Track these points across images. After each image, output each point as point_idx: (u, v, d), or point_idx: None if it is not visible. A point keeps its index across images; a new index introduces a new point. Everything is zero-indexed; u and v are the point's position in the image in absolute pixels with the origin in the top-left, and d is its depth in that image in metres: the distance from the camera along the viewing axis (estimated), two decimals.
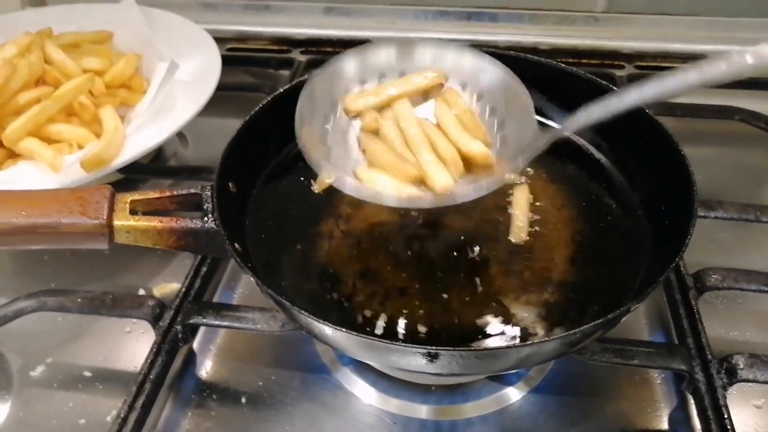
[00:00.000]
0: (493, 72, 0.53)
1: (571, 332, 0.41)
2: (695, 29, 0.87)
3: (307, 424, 0.53)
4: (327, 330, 0.42)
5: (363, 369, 0.57)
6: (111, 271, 0.67)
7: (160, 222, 0.47)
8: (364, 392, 0.55)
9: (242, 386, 0.56)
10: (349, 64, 0.55)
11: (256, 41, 0.97)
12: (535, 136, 0.49)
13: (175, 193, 0.50)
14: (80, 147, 0.62)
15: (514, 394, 0.55)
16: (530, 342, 0.44)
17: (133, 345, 0.60)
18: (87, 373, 0.58)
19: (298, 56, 0.95)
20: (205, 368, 0.58)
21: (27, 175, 0.58)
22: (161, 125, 0.64)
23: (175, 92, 0.68)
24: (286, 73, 0.91)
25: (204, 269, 0.60)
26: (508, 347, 0.46)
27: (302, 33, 0.96)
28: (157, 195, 0.50)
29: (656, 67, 0.89)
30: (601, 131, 0.61)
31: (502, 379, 0.56)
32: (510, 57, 0.57)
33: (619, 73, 0.88)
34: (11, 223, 0.44)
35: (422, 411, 0.54)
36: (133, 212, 0.48)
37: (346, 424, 0.53)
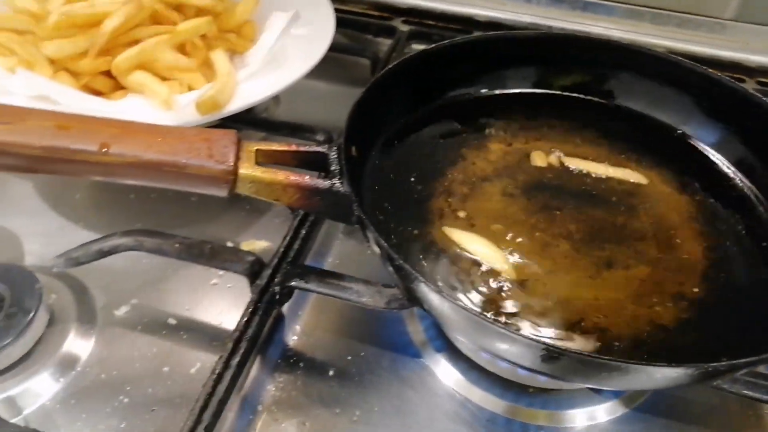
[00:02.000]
0: None
1: (735, 362, 0.37)
2: None
3: (394, 404, 0.51)
4: (453, 311, 0.39)
5: (456, 357, 0.54)
6: (197, 220, 0.66)
7: (287, 177, 0.45)
8: (454, 380, 0.53)
9: (330, 358, 0.54)
10: None
11: (357, 4, 0.93)
12: None
13: (301, 149, 0.47)
14: (190, 88, 0.60)
15: (612, 410, 0.52)
16: (670, 365, 0.40)
17: (219, 299, 0.58)
18: (171, 321, 0.56)
19: (400, 25, 0.91)
20: (293, 334, 0.56)
21: (137, 109, 0.56)
22: (274, 77, 0.62)
23: (288, 46, 0.65)
24: (387, 41, 0.87)
25: (303, 231, 0.58)
26: (641, 364, 0.42)
27: (404, 2, 0.92)
28: (282, 148, 0.47)
29: None
30: (749, 147, 0.57)
31: (602, 393, 0.53)
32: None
33: None
34: (139, 157, 0.42)
35: (510, 409, 0.52)
36: (257, 162, 0.45)
37: (432, 409, 0.51)
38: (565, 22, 0.88)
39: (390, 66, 0.56)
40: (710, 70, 0.59)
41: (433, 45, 0.58)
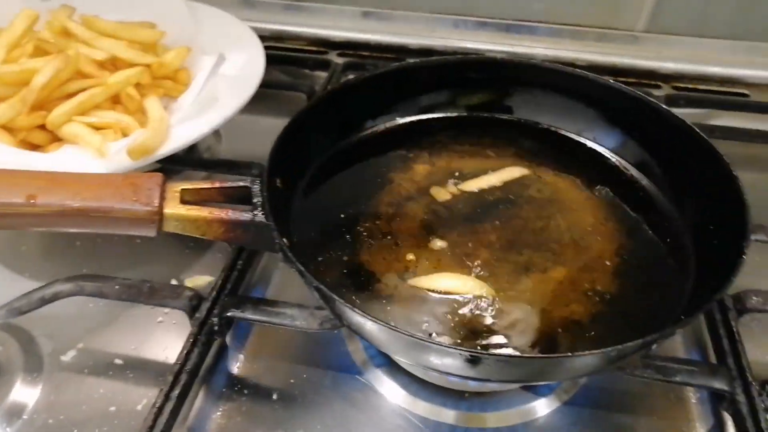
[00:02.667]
0: None
1: (619, 347, 0.40)
2: (736, 53, 0.87)
3: (338, 423, 0.53)
4: (378, 330, 0.42)
5: (395, 371, 0.57)
6: (142, 260, 0.67)
7: (211, 213, 0.47)
8: (395, 394, 0.55)
9: (273, 382, 0.56)
10: None
11: (294, 41, 0.97)
12: None
13: (225, 185, 0.50)
14: (124, 135, 0.63)
15: (545, 406, 0.54)
16: (575, 354, 0.43)
17: (164, 335, 0.60)
18: (118, 361, 0.57)
19: (335, 58, 0.95)
20: (237, 363, 0.58)
21: (72, 159, 0.59)
22: (205, 118, 0.65)
23: (219, 86, 0.69)
24: (323, 74, 0.91)
25: (240, 263, 0.60)
26: (552, 357, 0.45)
27: (340, 36, 0.96)
28: (207, 185, 0.50)
29: (693, 89, 0.89)
30: (648, 149, 0.61)
31: (534, 391, 0.55)
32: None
33: (656, 92, 0.87)
34: (65, 206, 0.44)
35: (452, 417, 0.54)
36: (183, 201, 0.48)
37: (376, 426, 0.53)
38: (492, 44, 0.93)
39: (311, 101, 0.59)
40: (605, 78, 0.63)
41: (350, 78, 0.62)
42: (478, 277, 0.53)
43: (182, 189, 0.48)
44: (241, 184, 0.51)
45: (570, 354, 0.41)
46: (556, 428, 0.53)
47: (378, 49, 0.95)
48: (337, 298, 0.42)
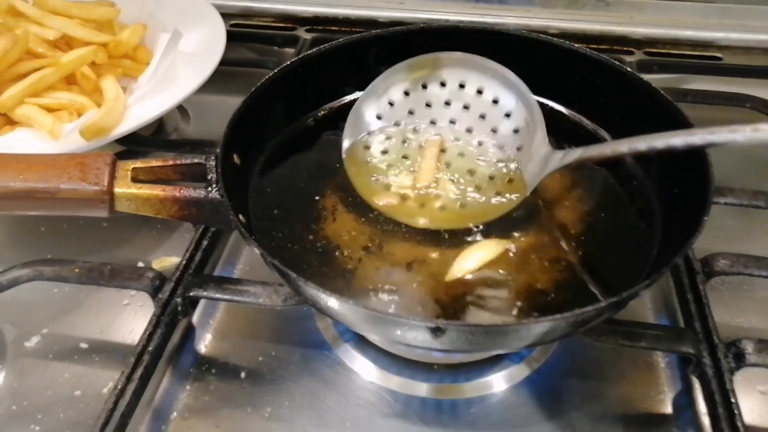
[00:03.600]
0: (516, 93, 0.57)
1: (579, 311, 0.40)
2: (708, 16, 0.86)
3: (306, 400, 0.53)
4: (332, 302, 0.41)
5: (364, 345, 0.56)
6: (109, 244, 0.66)
7: (163, 191, 0.46)
8: (364, 369, 0.55)
9: (241, 361, 0.55)
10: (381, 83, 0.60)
11: (261, 18, 0.95)
12: (545, 162, 0.52)
13: (178, 162, 0.49)
14: (80, 115, 0.61)
15: (516, 374, 0.54)
16: (538, 319, 0.43)
17: (130, 317, 0.59)
18: (83, 345, 0.57)
19: (303, 34, 0.93)
20: (204, 342, 0.57)
21: (25, 142, 0.57)
22: (163, 96, 0.63)
23: (179, 64, 0.67)
24: (290, 50, 0.89)
25: (205, 242, 0.59)
26: (514, 324, 0.45)
27: (308, 11, 0.94)
28: (159, 163, 0.48)
29: (666, 54, 0.88)
30: (613, 112, 0.60)
31: (505, 360, 0.55)
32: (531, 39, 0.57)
33: (628, 58, 0.86)
34: (9, 187, 0.43)
35: (423, 389, 0.54)
36: (135, 180, 0.47)
37: (346, 401, 0.53)
38: (462, 15, 0.91)
39: (269, 76, 0.58)
40: (562, 41, 0.62)
41: (309, 52, 0.60)
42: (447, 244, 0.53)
43: (134, 167, 0.47)
44: (196, 160, 0.50)
45: (525, 321, 0.41)
46: (527, 396, 0.53)
47: (347, 23, 0.93)
48: (291, 272, 0.41)
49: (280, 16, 0.95)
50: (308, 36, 0.91)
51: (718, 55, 0.87)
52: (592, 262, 0.51)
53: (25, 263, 0.55)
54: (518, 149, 0.57)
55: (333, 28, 0.94)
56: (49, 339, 0.57)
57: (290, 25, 0.95)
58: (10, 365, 0.55)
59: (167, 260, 0.64)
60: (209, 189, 0.48)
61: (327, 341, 0.57)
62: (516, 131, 0.58)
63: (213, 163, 0.49)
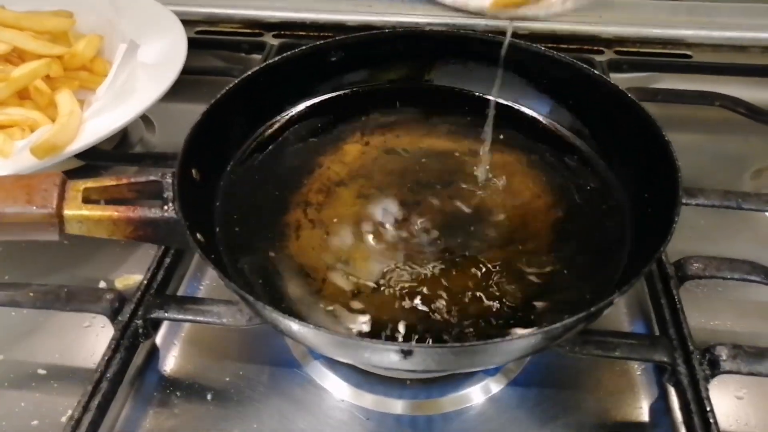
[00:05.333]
0: None
1: (552, 327, 0.39)
2: (676, 14, 0.86)
3: (276, 421, 0.51)
4: (293, 326, 0.40)
5: (335, 363, 0.54)
6: (70, 263, 0.64)
7: (116, 211, 0.44)
8: (336, 387, 0.53)
9: (208, 382, 0.53)
10: None
11: (227, 24, 0.93)
12: None
13: (132, 180, 0.47)
14: (33, 132, 0.59)
15: (492, 387, 0.53)
16: (509, 337, 0.42)
17: (92, 341, 0.57)
18: (41, 371, 0.54)
19: (271, 40, 0.91)
20: (169, 364, 0.55)
21: None
22: (121, 109, 0.61)
23: (137, 75, 0.65)
24: (257, 57, 0.87)
25: (168, 260, 0.57)
26: (486, 343, 0.44)
27: (275, 16, 0.92)
28: (113, 183, 0.46)
29: (636, 52, 0.88)
30: (582, 116, 0.59)
31: (480, 372, 0.54)
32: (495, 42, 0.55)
33: (598, 58, 0.86)
34: None
35: (397, 406, 0.52)
36: (87, 201, 0.45)
37: (318, 421, 0.51)
38: (431, 17, 0.90)
39: (228, 87, 0.56)
40: (532, 44, 0.61)
41: (269, 61, 0.59)
42: (413, 260, 0.51)
43: (86, 187, 0.45)
44: (152, 178, 0.48)
45: (495, 340, 0.40)
46: (503, 409, 0.52)
47: (315, 28, 0.91)
48: (248, 296, 0.39)
49: (247, 21, 0.93)
50: (275, 42, 0.89)
51: (688, 53, 0.87)
52: (562, 272, 0.51)
53: None
54: None
55: (301, 33, 0.92)
56: (4, 366, 0.55)
57: (257, 31, 0.93)
58: None
59: (130, 278, 0.62)
60: (165, 208, 0.46)
61: (296, 359, 0.55)
62: None
63: (169, 180, 0.47)
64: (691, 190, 0.61)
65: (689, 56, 0.87)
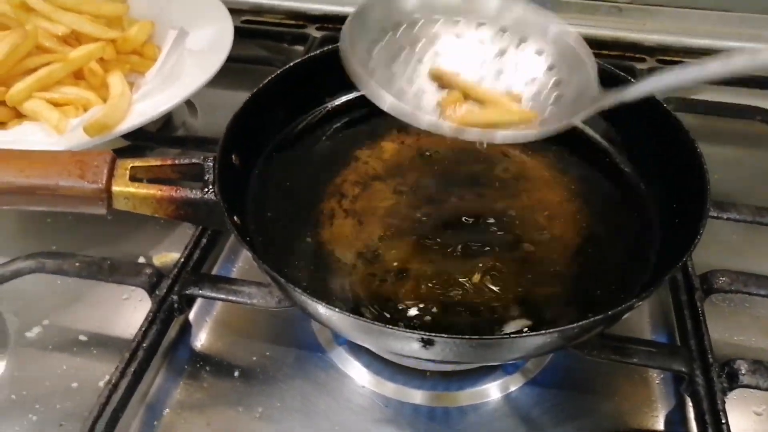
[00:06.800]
0: (556, 30, 0.51)
1: (569, 326, 0.40)
2: (721, 25, 0.85)
3: (298, 402, 0.53)
4: (321, 309, 0.42)
5: (358, 350, 0.56)
6: (113, 237, 0.67)
7: (160, 190, 0.47)
8: (358, 373, 0.55)
9: (236, 360, 0.56)
10: None
11: (272, 14, 0.95)
12: (594, 97, 0.47)
13: (176, 162, 0.49)
14: (86, 110, 0.62)
15: (510, 384, 0.54)
16: (527, 333, 0.43)
17: (129, 312, 0.60)
18: (82, 337, 0.58)
19: (313, 32, 0.93)
20: (200, 340, 0.58)
21: (31, 136, 0.58)
22: (169, 93, 0.64)
23: (185, 61, 0.68)
24: (300, 48, 0.90)
25: (204, 240, 0.60)
26: (504, 337, 0.45)
27: (318, 9, 0.94)
28: (158, 162, 0.49)
29: (678, 62, 0.87)
30: (615, 124, 0.59)
31: (499, 369, 0.55)
32: None
33: (639, 66, 0.85)
34: (9, 183, 0.44)
35: (416, 396, 0.54)
36: (133, 179, 0.47)
37: (338, 405, 0.53)
38: None
39: (270, 77, 0.58)
40: None
41: (313, 53, 0.61)
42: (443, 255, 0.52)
43: (133, 166, 0.48)
44: (194, 161, 0.50)
45: (514, 335, 0.41)
46: (519, 407, 0.53)
47: None
48: (280, 278, 0.41)
49: (291, 13, 0.95)
50: (318, 34, 0.91)
51: None
52: (589, 274, 0.51)
53: (29, 255, 0.56)
54: (557, 96, 0.51)
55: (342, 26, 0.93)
56: (49, 330, 0.58)
57: (300, 23, 0.95)
58: (12, 354, 0.56)
59: (168, 256, 0.65)
60: (206, 190, 0.48)
61: (321, 344, 0.57)
62: (558, 83, 0.52)
63: (211, 164, 0.50)
64: (723, 204, 0.60)
65: None
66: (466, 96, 0.50)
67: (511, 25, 0.52)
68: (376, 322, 0.42)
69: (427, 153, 0.63)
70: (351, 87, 0.65)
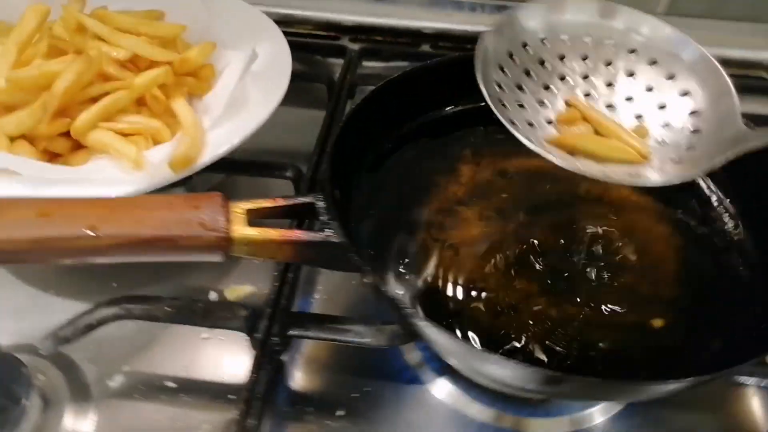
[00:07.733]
0: (691, 53, 0.50)
1: (706, 376, 0.40)
2: (757, 35, 0.87)
3: None
4: (453, 344, 0.41)
5: (455, 377, 0.56)
6: (173, 272, 0.63)
7: (281, 235, 0.44)
8: (456, 400, 0.54)
9: (336, 398, 0.54)
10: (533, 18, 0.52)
11: (303, 25, 0.92)
12: (737, 135, 0.43)
13: (288, 202, 0.47)
14: (155, 141, 0.58)
15: (613, 406, 0.54)
16: (660, 382, 0.42)
17: (214, 353, 0.57)
18: (169, 383, 0.55)
19: (349, 44, 0.90)
20: (295, 379, 0.56)
21: (105, 173, 0.54)
22: (239, 121, 0.60)
23: (248, 85, 0.64)
24: (338, 61, 0.87)
25: (290, 275, 0.57)
26: (640, 384, 0.44)
27: (350, 19, 0.92)
28: (270, 204, 0.46)
29: None
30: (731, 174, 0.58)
31: None
32: None
33: None
34: (129, 236, 0.41)
35: (518, 422, 0.54)
36: (249, 223, 0.45)
37: None
38: None
39: (359, 102, 0.56)
40: None
41: (397, 74, 0.59)
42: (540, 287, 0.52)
43: (247, 210, 0.45)
44: (306, 199, 0.48)
45: (653, 382, 0.41)
46: (624, 430, 0.53)
47: (392, 34, 0.91)
48: (411, 311, 0.40)
49: (323, 24, 0.92)
50: (355, 46, 0.89)
51: (765, 76, 0.88)
52: (692, 308, 0.52)
53: (111, 300, 0.53)
54: (694, 131, 0.48)
55: (377, 38, 0.92)
56: (132, 378, 0.55)
57: (333, 34, 0.92)
58: (97, 407, 0.53)
59: (240, 289, 0.62)
60: (326, 231, 0.46)
61: (418, 373, 0.56)
62: (694, 113, 0.49)
63: (323, 203, 0.48)
64: None
65: (765, 79, 0.88)
66: (585, 118, 0.50)
67: (640, 47, 0.51)
68: (541, 368, 0.41)
69: (507, 174, 0.62)
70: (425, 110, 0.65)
